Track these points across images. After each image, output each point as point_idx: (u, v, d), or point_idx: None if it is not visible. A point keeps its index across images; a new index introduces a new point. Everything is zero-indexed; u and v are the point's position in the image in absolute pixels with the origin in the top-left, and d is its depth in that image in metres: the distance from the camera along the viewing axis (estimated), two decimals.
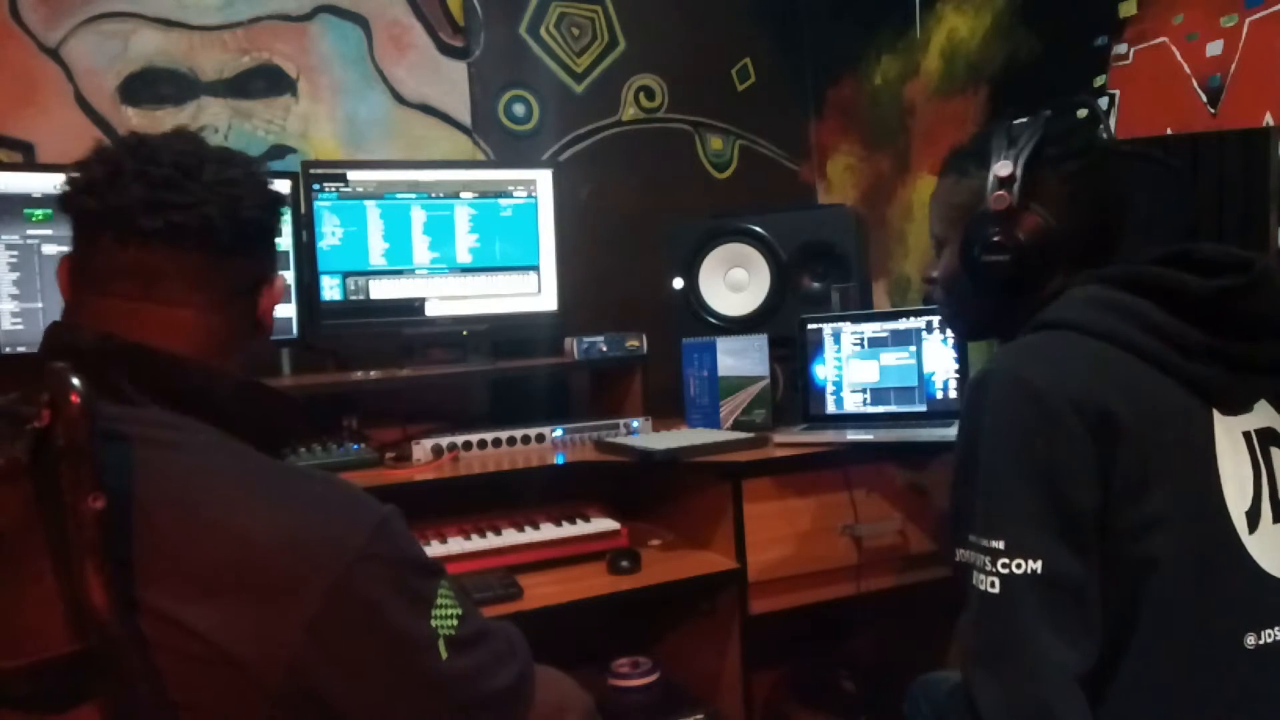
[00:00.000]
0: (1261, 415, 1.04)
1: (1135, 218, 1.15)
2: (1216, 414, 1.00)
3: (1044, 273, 1.10)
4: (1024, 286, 1.11)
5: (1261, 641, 0.96)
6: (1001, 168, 1.09)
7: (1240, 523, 0.98)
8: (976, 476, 0.97)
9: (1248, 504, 0.99)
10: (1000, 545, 0.93)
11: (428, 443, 1.92)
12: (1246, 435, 1.01)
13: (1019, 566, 0.92)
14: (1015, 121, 1.13)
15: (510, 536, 1.82)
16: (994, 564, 0.93)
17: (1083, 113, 1.31)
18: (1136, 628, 0.94)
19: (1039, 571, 0.91)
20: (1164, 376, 0.99)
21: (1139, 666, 0.94)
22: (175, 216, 0.82)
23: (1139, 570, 0.94)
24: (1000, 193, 1.09)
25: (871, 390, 2.02)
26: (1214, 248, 1.05)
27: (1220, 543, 0.97)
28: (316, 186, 2.04)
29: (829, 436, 1.89)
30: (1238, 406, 1.02)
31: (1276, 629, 0.97)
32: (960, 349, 1.94)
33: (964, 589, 0.97)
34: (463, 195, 2.15)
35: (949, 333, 1.94)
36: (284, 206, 0.94)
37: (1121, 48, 1.89)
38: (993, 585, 0.93)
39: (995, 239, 1.10)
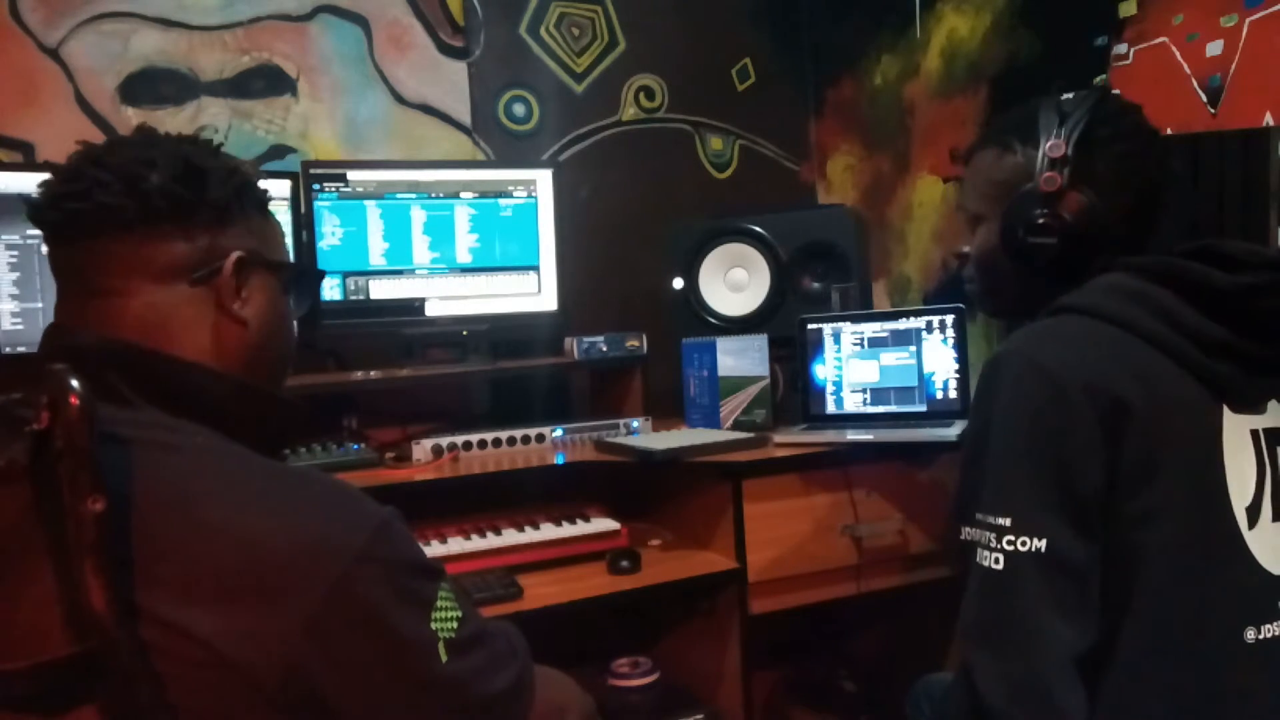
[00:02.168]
0: (1273, 416, 1.04)
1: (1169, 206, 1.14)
2: (1226, 410, 1.00)
3: (1088, 256, 1.09)
4: (1067, 269, 1.09)
5: (1261, 636, 0.97)
6: (1054, 148, 1.07)
7: (1241, 518, 0.98)
8: (986, 455, 0.98)
9: (1249, 500, 0.99)
10: (1006, 522, 0.94)
11: (428, 443, 1.92)
12: (1255, 433, 1.02)
13: (1024, 544, 0.93)
14: (1064, 97, 1.11)
15: (510, 536, 1.82)
16: (999, 541, 0.94)
17: None
18: (1130, 614, 0.95)
19: (1043, 550, 0.92)
20: (1178, 369, 0.99)
21: (1134, 655, 0.95)
22: (70, 204, 0.81)
23: (1135, 557, 0.95)
24: (1051, 173, 1.07)
25: (871, 390, 2.02)
26: (1239, 244, 1.04)
27: (1220, 537, 0.97)
28: (316, 186, 2.04)
29: (829, 436, 1.89)
30: (1249, 405, 1.02)
31: (1275, 624, 0.98)
32: (960, 349, 1.94)
33: (968, 566, 0.97)
34: (463, 195, 2.15)
35: (948, 333, 1.94)
36: (210, 176, 0.86)
37: (1121, 48, 1.89)
38: (997, 562, 0.94)
39: (1042, 221, 1.08)
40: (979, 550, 0.96)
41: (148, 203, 0.82)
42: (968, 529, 0.98)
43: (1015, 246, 1.11)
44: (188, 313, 0.85)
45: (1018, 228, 1.10)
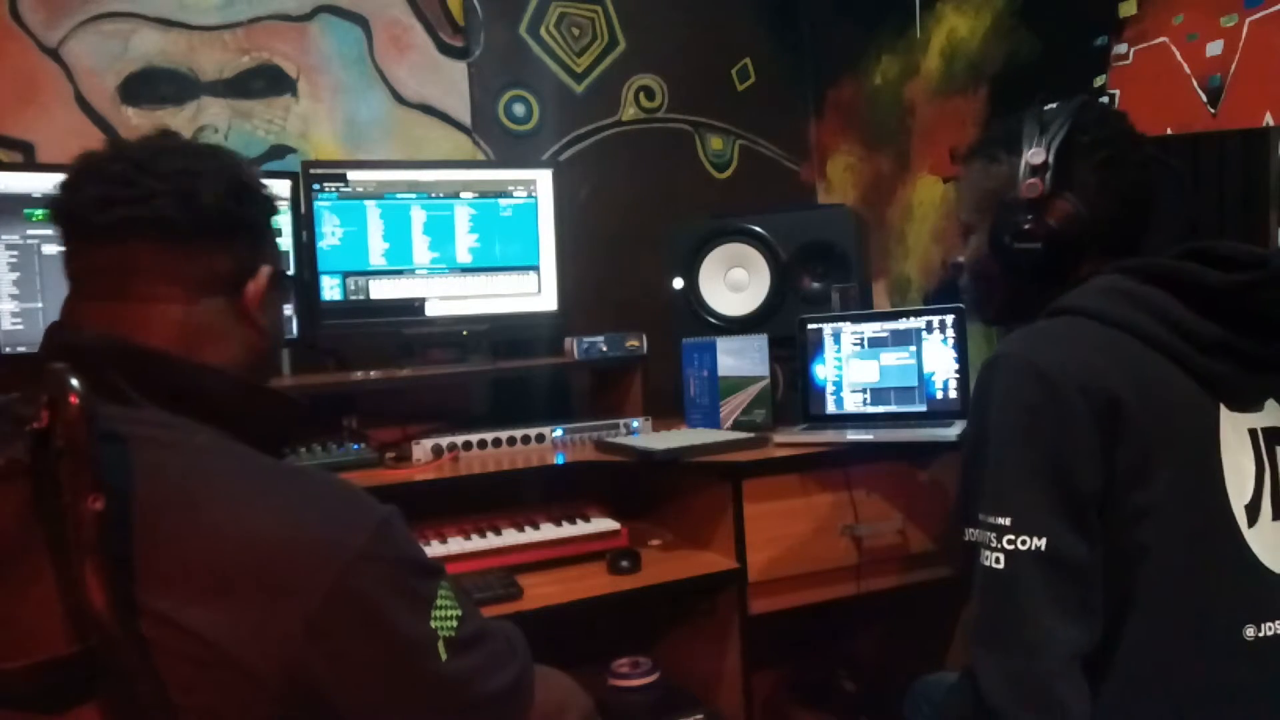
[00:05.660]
0: (1271, 414, 1.04)
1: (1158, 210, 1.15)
2: (1224, 409, 1.01)
3: (1074, 261, 1.11)
4: (1053, 274, 1.11)
5: (1261, 634, 0.98)
6: (1035, 155, 1.09)
7: (1240, 516, 0.99)
8: (985, 456, 0.99)
9: (1248, 498, 1.00)
10: (1006, 522, 0.95)
11: (428, 443, 1.92)
12: (1253, 432, 1.02)
13: (1024, 543, 0.94)
14: (1046, 107, 1.13)
15: (510, 536, 1.82)
16: (999, 540, 0.95)
17: None
18: (1131, 613, 0.96)
19: (1043, 549, 0.93)
20: (1174, 368, 1.00)
21: (1135, 652, 0.96)
22: (124, 211, 0.81)
23: (1132, 556, 0.96)
24: (1033, 180, 1.09)
25: (871, 390, 2.02)
26: (1232, 245, 1.06)
27: (1219, 535, 0.98)
28: (316, 186, 2.04)
29: (829, 436, 1.89)
30: (1247, 403, 1.02)
31: (1276, 622, 0.98)
32: (960, 349, 1.94)
33: (972, 567, 0.99)
34: (463, 195, 2.15)
35: (949, 333, 1.94)
36: (255, 195, 0.90)
37: (1121, 48, 1.89)
38: (998, 561, 0.95)
39: (1027, 227, 1.10)
40: (981, 550, 0.97)
41: (201, 217, 0.84)
42: (970, 530, 1.00)
43: (1002, 253, 1.14)
44: (219, 323, 0.87)
45: (1004, 235, 1.12)
